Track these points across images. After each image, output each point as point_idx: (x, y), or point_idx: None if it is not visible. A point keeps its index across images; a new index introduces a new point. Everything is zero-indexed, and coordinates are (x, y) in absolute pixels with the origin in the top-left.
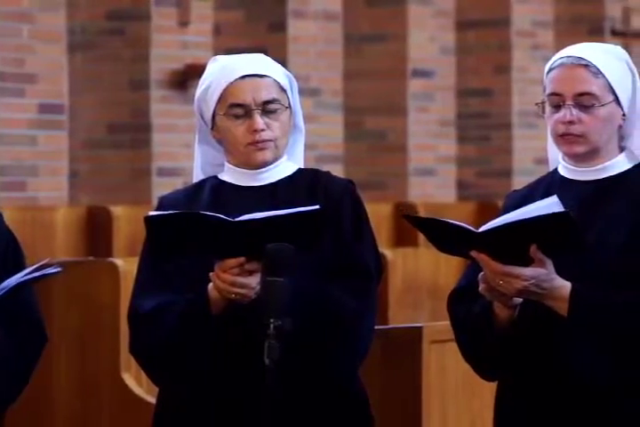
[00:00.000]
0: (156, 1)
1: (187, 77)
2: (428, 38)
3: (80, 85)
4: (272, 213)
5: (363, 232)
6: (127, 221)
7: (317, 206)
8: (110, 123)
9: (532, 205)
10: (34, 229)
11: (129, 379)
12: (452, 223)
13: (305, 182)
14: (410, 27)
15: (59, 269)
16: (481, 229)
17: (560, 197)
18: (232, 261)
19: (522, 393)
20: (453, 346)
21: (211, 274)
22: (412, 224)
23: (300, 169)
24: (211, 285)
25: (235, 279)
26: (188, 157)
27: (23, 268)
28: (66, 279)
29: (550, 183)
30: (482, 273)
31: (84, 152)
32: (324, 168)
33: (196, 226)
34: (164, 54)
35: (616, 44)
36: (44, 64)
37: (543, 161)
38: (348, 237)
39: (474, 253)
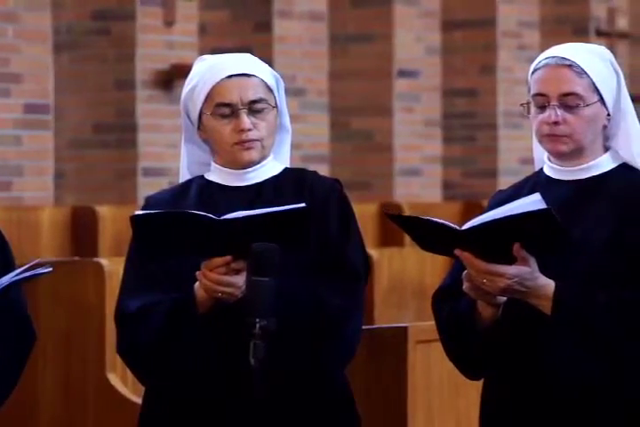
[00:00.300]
0: (141, 1)
1: (172, 77)
2: (414, 38)
3: (66, 85)
4: (257, 212)
5: (350, 232)
6: (113, 221)
7: (303, 204)
8: (96, 123)
9: (514, 202)
10: (19, 229)
11: (114, 379)
12: (435, 221)
13: (291, 182)
14: (395, 27)
15: (50, 268)
16: (464, 227)
17: (545, 197)
18: (218, 260)
19: (507, 392)
20: (439, 346)
21: (197, 273)
22: (396, 223)
23: (286, 169)
24: (197, 284)
25: (221, 278)
26: (173, 157)
27: (13, 267)
28: (51, 279)
29: (535, 183)
30: (465, 271)
31: (70, 152)
32: (310, 168)
33: (182, 225)
34: (150, 54)
35: (601, 45)
36: (29, 64)
37: (528, 161)
38: (335, 236)
39: (457, 252)
